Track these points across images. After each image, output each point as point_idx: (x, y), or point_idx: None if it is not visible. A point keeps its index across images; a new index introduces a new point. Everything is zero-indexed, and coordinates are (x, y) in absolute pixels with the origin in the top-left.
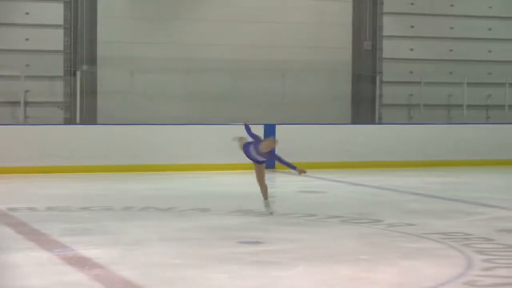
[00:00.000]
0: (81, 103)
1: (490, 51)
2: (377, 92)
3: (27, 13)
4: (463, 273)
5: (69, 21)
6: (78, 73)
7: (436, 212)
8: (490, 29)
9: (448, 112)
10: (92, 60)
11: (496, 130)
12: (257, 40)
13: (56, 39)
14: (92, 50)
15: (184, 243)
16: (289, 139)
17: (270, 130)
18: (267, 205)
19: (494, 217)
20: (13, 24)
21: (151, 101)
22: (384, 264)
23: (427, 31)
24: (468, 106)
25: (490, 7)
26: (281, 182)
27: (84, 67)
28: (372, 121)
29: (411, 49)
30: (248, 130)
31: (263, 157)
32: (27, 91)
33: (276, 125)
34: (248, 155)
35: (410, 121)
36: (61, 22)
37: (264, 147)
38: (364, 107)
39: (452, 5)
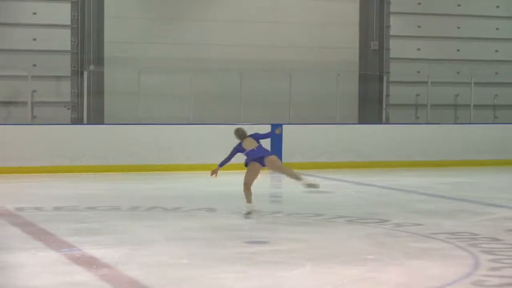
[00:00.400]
0: (88, 103)
1: (497, 51)
2: (384, 92)
3: (35, 13)
4: (470, 273)
5: (76, 21)
6: (85, 73)
7: (443, 212)
8: (497, 28)
9: (455, 112)
10: (99, 60)
11: (504, 130)
12: (264, 40)
13: (63, 39)
14: (99, 50)
15: (191, 243)
16: (296, 139)
17: None
18: (250, 208)
19: (501, 217)
20: (20, 24)
21: (158, 101)
22: (391, 264)
23: (434, 31)
24: (475, 106)
25: (498, 6)
26: (287, 182)
27: (91, 67)
28: (379, 121)
29: (418, 49)
30: (268, 136)
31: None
32: (34, 91)
33: (283, 125)
34: (251, 154)
35: (417, 121)
36: (68, 22)
37: (268, 164)
38: (371, 107)
39: (459, 5)
